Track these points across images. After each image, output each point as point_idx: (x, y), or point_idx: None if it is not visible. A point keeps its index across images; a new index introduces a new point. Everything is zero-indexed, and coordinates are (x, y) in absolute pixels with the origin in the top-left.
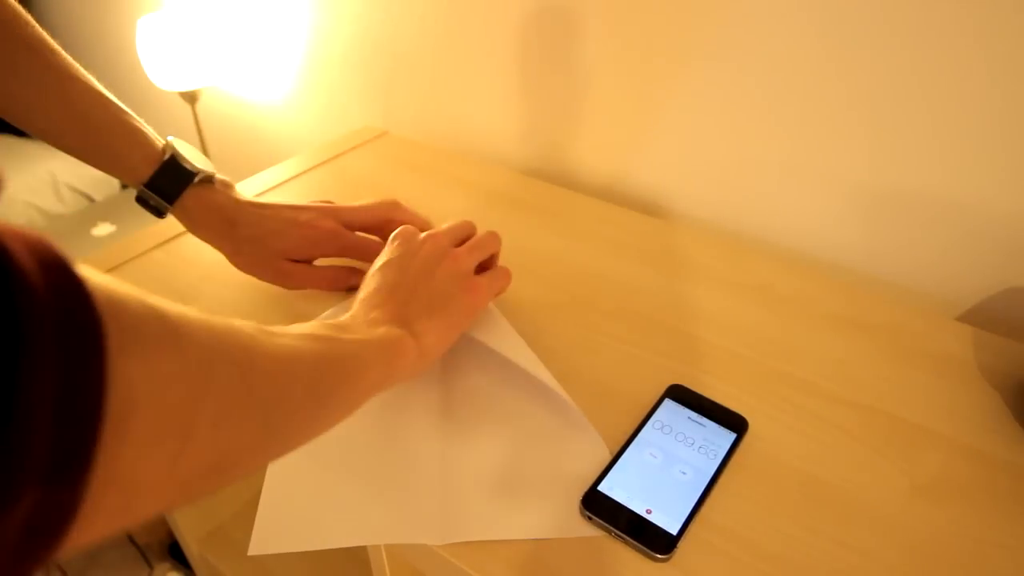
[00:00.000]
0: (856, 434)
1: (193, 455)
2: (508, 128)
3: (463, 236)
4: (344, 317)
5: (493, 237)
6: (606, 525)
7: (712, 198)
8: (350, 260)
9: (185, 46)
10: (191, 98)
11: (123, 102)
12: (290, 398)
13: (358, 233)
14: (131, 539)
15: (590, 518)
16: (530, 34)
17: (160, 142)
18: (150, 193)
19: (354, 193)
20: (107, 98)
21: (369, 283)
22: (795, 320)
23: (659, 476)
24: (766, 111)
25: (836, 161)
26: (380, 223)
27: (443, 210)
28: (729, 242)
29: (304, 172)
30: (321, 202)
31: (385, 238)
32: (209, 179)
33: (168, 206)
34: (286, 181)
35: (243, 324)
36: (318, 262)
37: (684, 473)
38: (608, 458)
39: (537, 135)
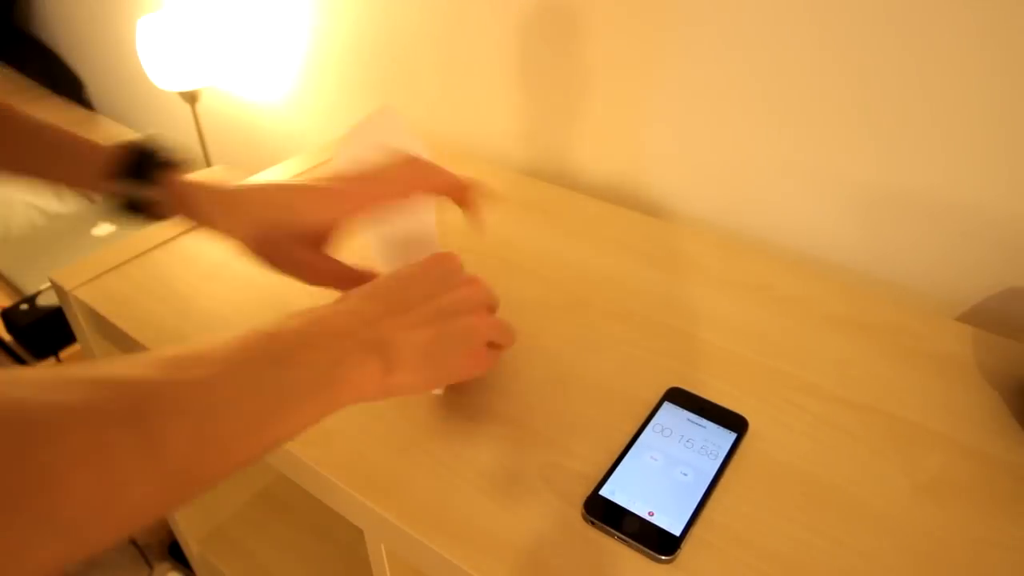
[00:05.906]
0: (856, 434)
1: None
2: (509, 128)
3: (495, 304)
4: (318, 308)
5: (511, 333)
6: (609, 529)
7: (713, 198)
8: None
9: (185, 46)
10: (191, 98)
11: (124, 103)
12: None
13: None
14: (131, 539)
15: (592, 523)
16: (531, 34)
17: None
18: (127, 181)
19: None
20: (49, 122)
21: (380, 280)
22: (795, 320)
23: (660, 478)
24: (767, 111)
25: (837, 161)
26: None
27: (443, 211)
28: (730, 242)
29: (304, 172)
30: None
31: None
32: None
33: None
34: None
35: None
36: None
37: (685, 474)
38: None
39: (538, 135)
